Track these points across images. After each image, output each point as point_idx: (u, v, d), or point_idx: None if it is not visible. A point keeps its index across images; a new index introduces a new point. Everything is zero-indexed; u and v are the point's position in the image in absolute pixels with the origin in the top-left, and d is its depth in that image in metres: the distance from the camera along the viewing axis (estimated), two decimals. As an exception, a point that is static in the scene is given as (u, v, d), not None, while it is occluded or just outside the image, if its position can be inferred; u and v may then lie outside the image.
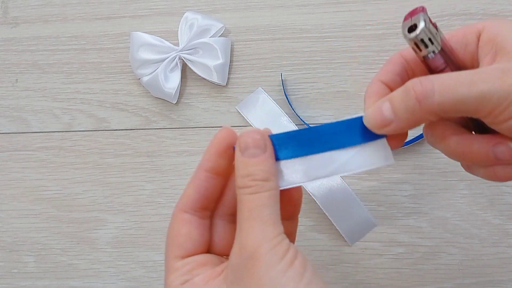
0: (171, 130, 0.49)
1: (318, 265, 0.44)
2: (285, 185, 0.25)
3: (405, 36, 0.24)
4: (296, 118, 0.47)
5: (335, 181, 0.43)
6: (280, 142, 0.25)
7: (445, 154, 0.27)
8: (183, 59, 0.48)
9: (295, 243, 0.29)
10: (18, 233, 0.49)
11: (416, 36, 0.24)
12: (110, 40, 0.52)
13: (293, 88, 0.48)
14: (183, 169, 0.48)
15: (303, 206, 0.29)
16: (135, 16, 0.52)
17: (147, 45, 0.48)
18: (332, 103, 0.48)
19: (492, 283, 0.43)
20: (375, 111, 0.25)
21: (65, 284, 0.47)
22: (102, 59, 0.52)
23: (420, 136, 0.45)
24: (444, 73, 0.23)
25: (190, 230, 0.26)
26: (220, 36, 0.49)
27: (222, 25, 0.49)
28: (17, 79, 0.53)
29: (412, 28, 0.24)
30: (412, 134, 0.44)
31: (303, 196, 0.30)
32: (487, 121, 0.23)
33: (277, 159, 0.25)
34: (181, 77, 0.49)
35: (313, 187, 0.43)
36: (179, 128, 0.49)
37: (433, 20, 0.24)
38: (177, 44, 0.49)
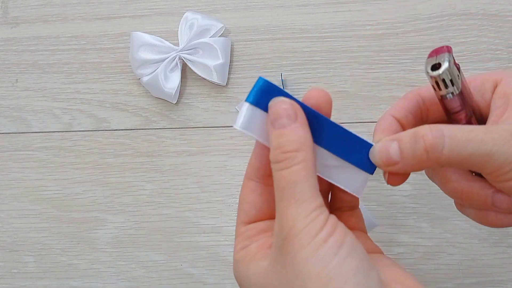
0: (171, 130, 0.49)
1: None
2: None
3: (427, 73, 0.25)
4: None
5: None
6: (310, 116, 0.24)
7: (442, 189, 0.27)
8: (183, 59, 0.48)
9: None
10: (18, 233, 0.49)
11: (439, 75, 0.24)
12: (110, 40, 0.52)
13: (293, 88, 0.48)
14: (183, 169, 0.48)
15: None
16: (135, 16, 0.52)
17: (147, 45, 0.48)
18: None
19: (492, 283, 0.43)
20: (383, 148, 0.25)
21: (65, 284, 0.47)
22: (102, 59, 0.52)
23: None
24: (456, 122, 0.24)
25: (254, 197, 0.26)
26: (220, 36, 0.49)
27: (222, 25, 0.49)
28: (17, 79, 0.53)
29: (436, 67, 0.25)
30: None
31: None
32: (489, 178, 0.24)
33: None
34: (181, 77, 0.49)
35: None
36: (179, 128, 0.49)
37: (457, 62, 0.25)
38: (177, 44, 0.49)
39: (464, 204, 0.28)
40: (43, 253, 0.48)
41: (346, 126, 0.25)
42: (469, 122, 0.27)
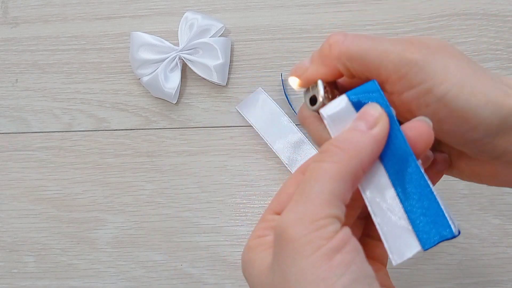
0: (171, 130, 0.49)
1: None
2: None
3: (308, 108, 0.25)
4: (296, 118, 0.47)
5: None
6: (397, 142, 0.22)
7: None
8: (183, 59, 0.48)
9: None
10: (18, 233, 0.49)
11: (317, 110, 0.25)
12: (110, 40, 0.52)
13: (293, 88, 0.48)
14: (183, 169, 0.48)
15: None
16: (135, 16, 0.52)
17: (147, 45, 0.48)
18: (332, 103, 0.48)
19: (492, 283, 0.43)
20: (298, 63, 0.26)
21: (65, 284, 0.47)
22: (102, 59, 0.52)
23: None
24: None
25: (295, 191, 0.25)
26: (220, 36, 0.49)
27: (222, 25, 0.49)
28: (17, 79, 0.53)
29: (313, 99, 0.25)
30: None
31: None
32: (388, 89, 0.23)
33: None
34: (181, 77, 0.49)
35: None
36: (179, 128, 0.49)
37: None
38: (177, 44, 0.49)
39: None
40: (43, 253, 0.48)
41: None
42: None
